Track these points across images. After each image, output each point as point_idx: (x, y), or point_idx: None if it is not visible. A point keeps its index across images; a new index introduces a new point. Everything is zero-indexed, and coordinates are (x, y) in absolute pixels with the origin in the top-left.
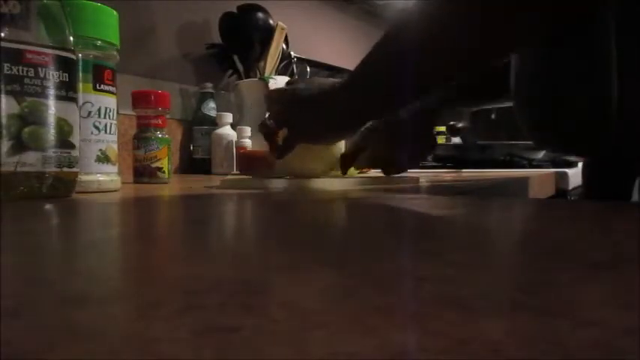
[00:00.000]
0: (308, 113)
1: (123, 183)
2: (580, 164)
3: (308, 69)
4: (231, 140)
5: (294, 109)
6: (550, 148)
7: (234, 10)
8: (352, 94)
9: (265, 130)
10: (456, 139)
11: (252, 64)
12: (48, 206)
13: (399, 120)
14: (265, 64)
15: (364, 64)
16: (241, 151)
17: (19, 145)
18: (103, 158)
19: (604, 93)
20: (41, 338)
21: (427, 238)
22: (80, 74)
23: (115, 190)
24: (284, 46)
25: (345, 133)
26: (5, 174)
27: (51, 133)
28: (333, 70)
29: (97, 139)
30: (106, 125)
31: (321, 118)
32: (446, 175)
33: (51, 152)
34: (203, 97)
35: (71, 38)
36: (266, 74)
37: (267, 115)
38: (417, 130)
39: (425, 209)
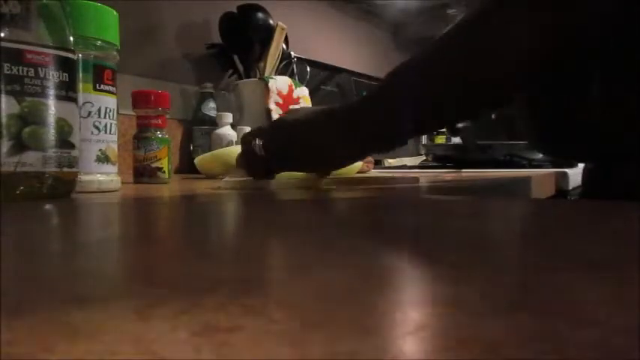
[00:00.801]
0: (294, 145)
1: (123, 183)
2: (580, 165)
3: (308, 69)
4: (231, 140)
5: (281, 140)
6: (553, 153)
7: (234, 10)
8: (341, 131)
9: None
10: (456, 139)
11: (252, 64)
12: (48, 206)
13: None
14: (265, 64)
15: (359, 103)
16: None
17: (19, 145)
18: (103, 158)
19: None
20: (41, 338)
21: (427, 238)
22: (80, 74)
23: (115, 190)
24: (284, 46)
25: (331, 166)
26: (5, 174)
27: (51, 133)
28: (333, 70)
29: (97, 139)
30: (106, 125)
31: (307, 150)
32: (446, 175)
33: (51, 152)
34: (203, 97)
35: (71, 38)
36: (266, 74)
37: (257, 143)
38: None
39: (425, 209)
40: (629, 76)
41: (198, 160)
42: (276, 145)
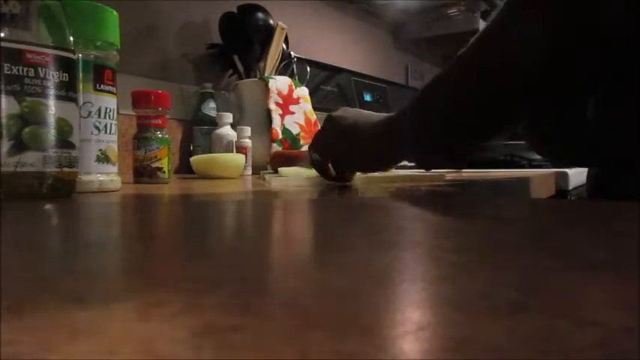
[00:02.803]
0: (352, 147)
1: (123, 183)
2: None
3: (308, 69)
4: (231, 140)
5: (338, 143)
6: (555, 159)
7: (234, 10)
8: (391, 134)
9: (317, 165)
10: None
11: (252, 64)
12: (48, 206)
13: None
14: (265, 64)
15: (404, 111)
16: (274, 151)
17: (19, 145)
18: (103, 158)
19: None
20: (41, 338)
21: (427, 238)
22: (80, 74)
23: (115, 190)
24: (284, 46)
25: (386, 165)
26: (5, 174)
27: (51, 133)
28: (333, 70)
29: (97, 139)
30: (106, 125)
31: (365, 152)
32: (446, 175)
33: (51, 152)
34: (203, 97)
35: (71, 38)
36: (266, 74)
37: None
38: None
39: (424, 209)
40: (629, 83)
41: (193, 160)
42: (329, 148)
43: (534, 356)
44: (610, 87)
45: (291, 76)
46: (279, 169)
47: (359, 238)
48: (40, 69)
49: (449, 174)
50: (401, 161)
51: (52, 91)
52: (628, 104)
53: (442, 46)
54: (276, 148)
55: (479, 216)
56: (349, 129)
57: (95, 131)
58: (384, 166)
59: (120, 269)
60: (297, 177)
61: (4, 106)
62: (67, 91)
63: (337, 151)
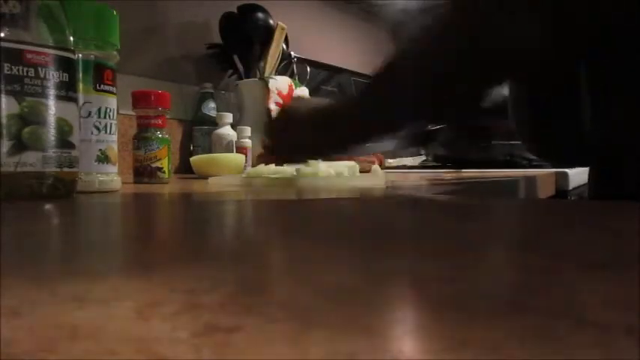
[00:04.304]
0: (304, 134)
1: (123, 183)
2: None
3: (308, 69)
4: (231, 140)
5: (291, 130)
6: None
7: (234, 10)
8: (349, 119)
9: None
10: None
11: (252, 64)
12: (48, 206)
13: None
14: (265, 64)
15: (362, 93)
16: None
17: (19, 145)
18: (103, 158)
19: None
20: (41, 338)
21: (427, 238)
22: (80, 74)
23: (115, 190)
24: (284, 46)
25: (343, 150)
26: (5, 174)
27: (51, 133)
28: (333, 70)
29: (97, 139)
30: (106, 125)
31: (318, 137)
32: (446, 175)
33: (51, 152)
34: (203, 97)
35: (71, 38)
36: (266, 74)
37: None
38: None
39: (424, 209)
40: (616, 80)
41: (193, 160)
42: (278, 135)
43: (534, 356)
44: (602, 88)
45: (291, 76)
46: (249, 168)
47: (360, 237)
48: (40, 69)
49: (448, 174)
50: (356, 144)
51: (52, 91)
52: (621, 104)
53: None
54: None
55: (479, 216)
56: (304, 119)
57: (95, 131)
58: (347, 148)
59: (120, 269)
60: (235, 177)
61: (4, 106)
62: (67, 91)
63: (288, 138)
